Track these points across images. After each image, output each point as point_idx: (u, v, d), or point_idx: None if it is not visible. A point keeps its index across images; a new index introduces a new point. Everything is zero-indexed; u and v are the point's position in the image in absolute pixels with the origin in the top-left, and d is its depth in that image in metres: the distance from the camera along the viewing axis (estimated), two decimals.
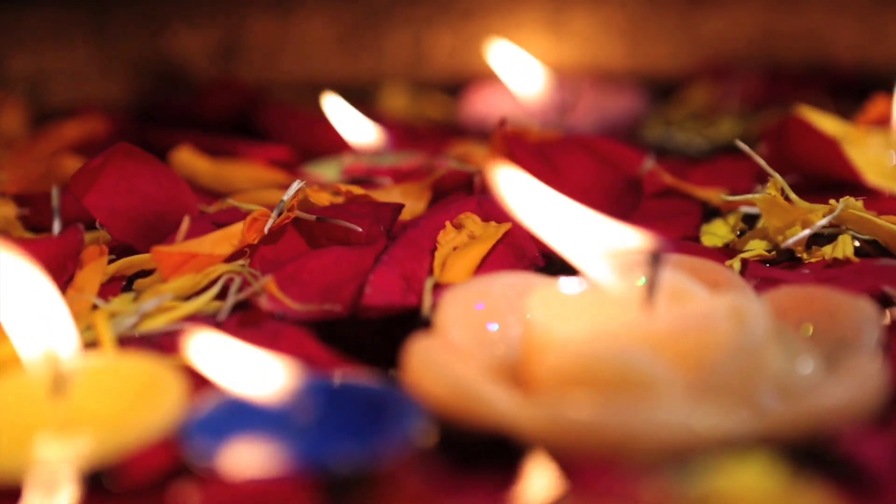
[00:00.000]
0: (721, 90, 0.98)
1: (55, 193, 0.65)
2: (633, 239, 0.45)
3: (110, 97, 1.03)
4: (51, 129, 0.90)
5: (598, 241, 0.45)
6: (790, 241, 0.58)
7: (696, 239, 0.62)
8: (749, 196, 0.61)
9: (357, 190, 0.64)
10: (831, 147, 0.66)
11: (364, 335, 0.53)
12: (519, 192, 0.46)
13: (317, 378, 0.44)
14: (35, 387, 0.44)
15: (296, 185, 0.59)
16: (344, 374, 0.46)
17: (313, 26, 1.07)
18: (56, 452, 0.40)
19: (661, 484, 0.36)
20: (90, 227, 0.61)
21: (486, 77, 0.98)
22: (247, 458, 0.40)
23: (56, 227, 0.65)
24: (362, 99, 0.92)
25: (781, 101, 0.85)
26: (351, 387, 0.44)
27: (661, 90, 1.00)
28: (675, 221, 0.64)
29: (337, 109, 0.84)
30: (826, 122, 0.72)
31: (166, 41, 1.05)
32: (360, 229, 0.58)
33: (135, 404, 0.43)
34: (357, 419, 0.42)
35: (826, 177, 0.66)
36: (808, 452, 0.39)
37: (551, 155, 0.69)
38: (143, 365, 0.45)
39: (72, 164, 0.72)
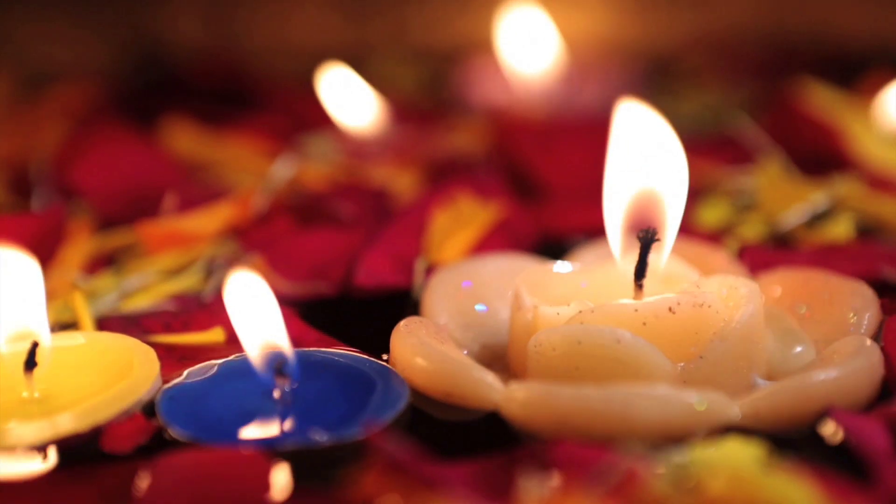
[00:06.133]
0: (728, 69, 0.97)
1: (37, 166, 0.64)
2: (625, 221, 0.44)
3: (98, 63, 1.01)
4: (38, 95, 0.88)
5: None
6: (788, 222, 0.57)
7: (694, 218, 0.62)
8: (747, 174, 0.60)
9: (350, 168, 0.63)
10: (829, 124, 0.65)
11: (353, 315, 0.52)
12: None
13: (302, 353, 0.43)
14: (10, 364, 0.43)
15: (286, 166, 0.58)
16: (330, 352, 0.45)
17: None
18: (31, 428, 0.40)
19: (646, 461, 0.36)
20: (72, 199, 0.61)
21: (487, 47, 0.95)
22: (225, 429, 0.40)
23: (37, 199, 0.64)
24: (355, 68, 0.90)
25: (789, 81, 0.84)
26: (336, 363, 0.44)
27: (666, 66, 0.99)
28: None
29: (336, 82, 0.81)
30: (828, 99, 0.71)
31: (154, 8, 1.03)
32: (352, 209, 0.57)
33: (109, 381, 0.42)
34: (341, 396, 0.42)
35: (825, 154, 0.65)
36: (800, 434, 0.39)
37: (549, 137, 0.68)
38: (117, 342, 0.44)
39: (58, 133, 0.71)
